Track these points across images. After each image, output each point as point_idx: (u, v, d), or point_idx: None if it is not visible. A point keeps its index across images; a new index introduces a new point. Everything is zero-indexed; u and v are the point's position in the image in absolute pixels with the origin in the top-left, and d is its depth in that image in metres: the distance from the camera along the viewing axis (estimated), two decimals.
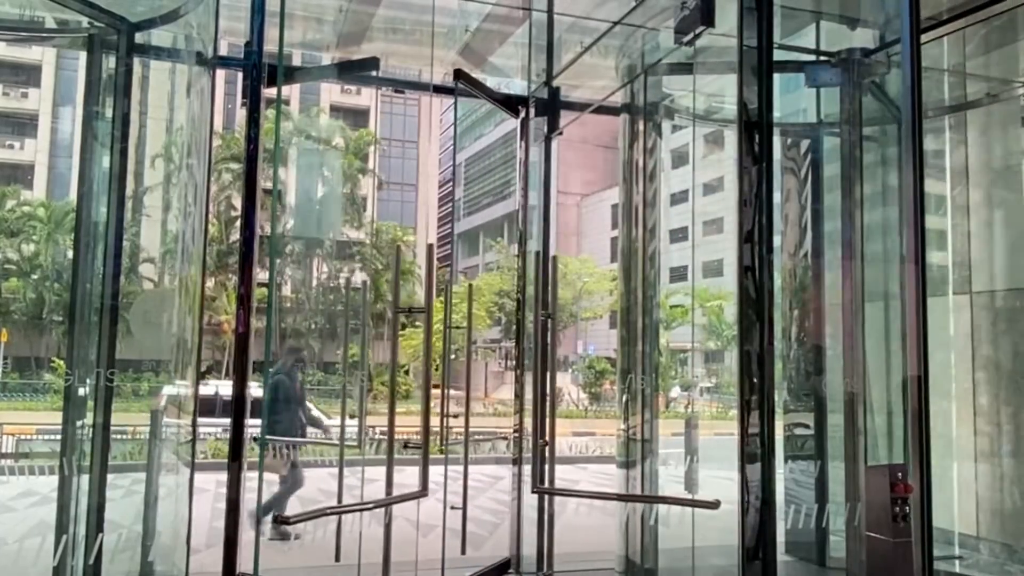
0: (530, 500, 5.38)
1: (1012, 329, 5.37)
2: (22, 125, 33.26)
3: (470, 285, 7.62)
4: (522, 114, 5.88)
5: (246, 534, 3.90)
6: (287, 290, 35.78)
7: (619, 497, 6.12)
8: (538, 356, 5.33)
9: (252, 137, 4.15)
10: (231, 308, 29.65)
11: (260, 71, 4.13)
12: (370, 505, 4.75)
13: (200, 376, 4.83)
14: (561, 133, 5.95)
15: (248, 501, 3.96)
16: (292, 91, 33.91)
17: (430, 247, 5.25)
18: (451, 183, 56.34)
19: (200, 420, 8.06)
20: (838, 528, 5.31)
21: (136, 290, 5.55)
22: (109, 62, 4.70)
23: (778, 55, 4.19)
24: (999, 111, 5.71)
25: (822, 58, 5.62)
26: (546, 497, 5.44)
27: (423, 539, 4.89)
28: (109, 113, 4.63)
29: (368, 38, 6.43)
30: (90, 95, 4.70)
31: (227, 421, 4.10)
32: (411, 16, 6.57)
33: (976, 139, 5.77)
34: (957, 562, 5.43)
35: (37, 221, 30.22)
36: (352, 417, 6.02)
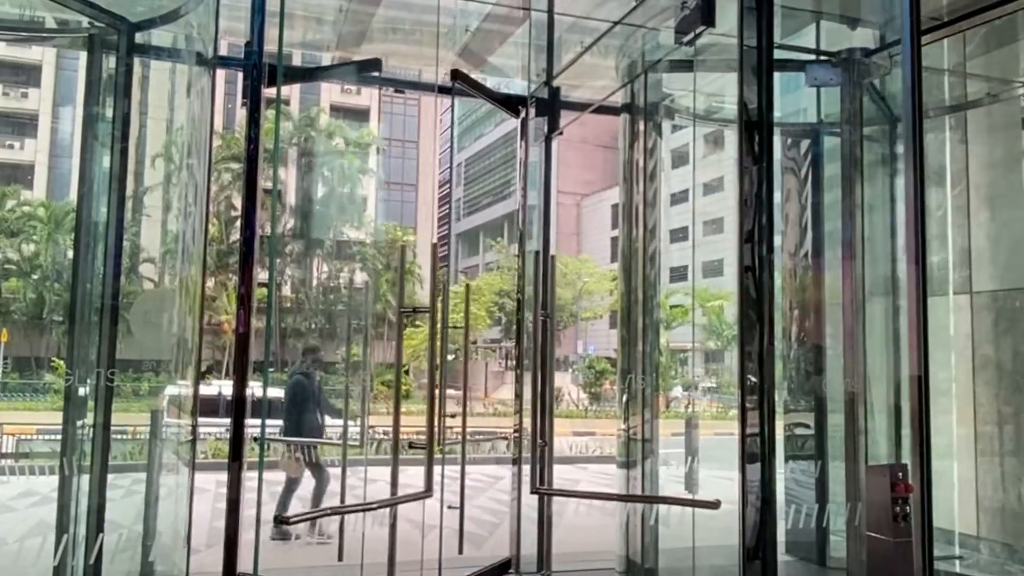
0: (530, 500, 5.37)
1: (1013, 329, 5.37)
2: (22, 125, 33.27)
3: (467, 285, 7.65)
4: (522, 114, 5.88)
5: (246, 534, 3.90)
6: (287, 290, 35.79)
7: (619, 497, 6.12)
8: (536, 356, 5.33)
9: (252, 137, 4.15)
10: (231, 308, 29.66)
11: (260, 71, 4.12)
12: (375, 505, 4.75)
13: (200, 376, 4.82)
14: (561, 133, 5.95)
15: (248, 501, 3.95)
16: (292, 91, 33.94)
17: (434, 246, 5.24)
18: (449, 183, 56.34)
19: (203, 420, 8.08)
20: (838, 528, 5.31)
21: (136, 290, 5.56)
22: (109, 62, 4.70)
23: (778, 55, 4.19)
24: (1000, 111, 5.71)
25: (822, 58, 5.62)
26: (545, 497, 5.43)
27: (421, 538, 4.89)
28: (109, 113, 4.63)
29: (368, 38, 6.43)
30: (90, 95, 4.70)
31: (230, 421, 4.10)
32: (411, 16, 6.57)
33: (976, 138, 5.77)
34: (957, 562, 5.43)
35: (37, 221, 30.22)
36: (354, 417, 6.02)
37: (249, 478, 3.98)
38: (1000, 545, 5.34)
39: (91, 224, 4.65)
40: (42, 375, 26.77)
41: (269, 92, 4.24)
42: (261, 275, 4.23)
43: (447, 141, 48.71)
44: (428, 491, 4.49)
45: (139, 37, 4.75)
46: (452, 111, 40.87)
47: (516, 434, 5.50)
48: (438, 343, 4.72)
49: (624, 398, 5.90)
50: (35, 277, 29.92)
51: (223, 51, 5.10)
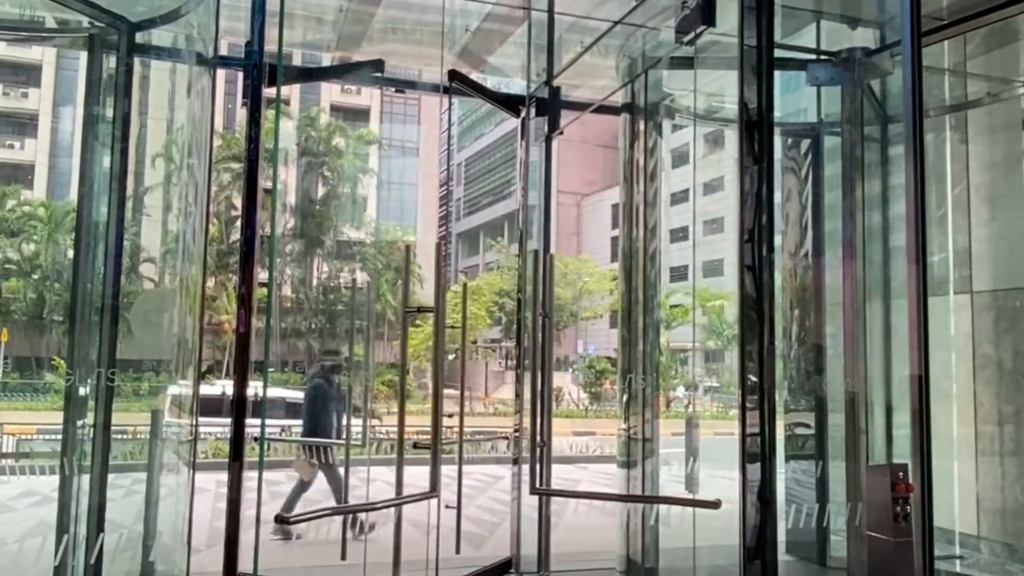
0: (530, 500, 5.37)
1: (1013, 328, 5.37)
2: (22, 125, 33.27)
3: (465, 285, 7.64)
4: (522, 114, 5.88)
5: (247, 533, 3.90)
6: (287, 290, 35.80)
7: (619, 497, 6.12)
8: (535, 356, 5.33)
9: (252, 137, 4.15)
10: (231, 308, 29.67)
11: (261, 71, 4.12)
12: (379, 505, 4.74)
13: (201, 376, 4.83)
14: (562, 133, 5.95)
15: (249, 501, 3.95)
16: (292, 91, 33.94)
17: (438, 246, 5.23)
18: (449, 183, 56.34)
19: (207, 420, 8.07)
20: (839, 528, 5.31)
21: (136, 290, 5.56)
22: (109, 62, 4.70)
23: (778, 54, 4.19)
24: (1000, 110, 5.71)
25: (823, 58, 5.62)
26: (544, 497, 5.43)
27: (422, 538, 4.89)
28: (110, 113, 4.63)
29: (368, 38, 6.43)
30: (91, 95, 4.70)
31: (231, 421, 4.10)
32: (411, 16, 6.57)
33: (977, 138, 5.77)
34: (958, 562, 5.43)
35: (37, 221, 30.23)
36: (355, 415, 6.02)
37: (249, 478, 3.98)
38: (1000, 545, 5.34)
39: (91, 224, 4.65)
40: (42, 375, 26.78)
41: (269, 92, 4.25)
42: (261, 275, 4.23)
43: (447, 141, 48.73)
44: (434, 491, 4.48)
45: (139, 37, 4.75)
46: (449, 114, 40.89)
47: (516, 434, 5.50)
48: (450, 343, 4.71)
49: (624, 398, 5.90)
50: (35, 277, 29.93)
51: (223, 51, 5.10)
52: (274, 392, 19.65)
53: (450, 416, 5.26)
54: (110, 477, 4.40)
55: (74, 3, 4.60)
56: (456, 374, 6.22)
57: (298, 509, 7.52)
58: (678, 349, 22.91)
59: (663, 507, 5.42)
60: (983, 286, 5.57)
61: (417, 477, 4.74)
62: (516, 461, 5.54)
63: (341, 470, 7.02)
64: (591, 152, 41.77)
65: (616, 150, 6.28)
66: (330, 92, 38.31)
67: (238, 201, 30.35)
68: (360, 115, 40.49)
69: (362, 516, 6.47)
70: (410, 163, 43.64)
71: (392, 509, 4.67)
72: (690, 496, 5.35)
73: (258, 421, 4.26)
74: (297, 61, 9.11)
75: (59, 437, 4.51)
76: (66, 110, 32.04)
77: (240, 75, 4.48)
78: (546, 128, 5.96)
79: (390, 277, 35.64)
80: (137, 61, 4.80)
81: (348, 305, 34.14)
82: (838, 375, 5.51)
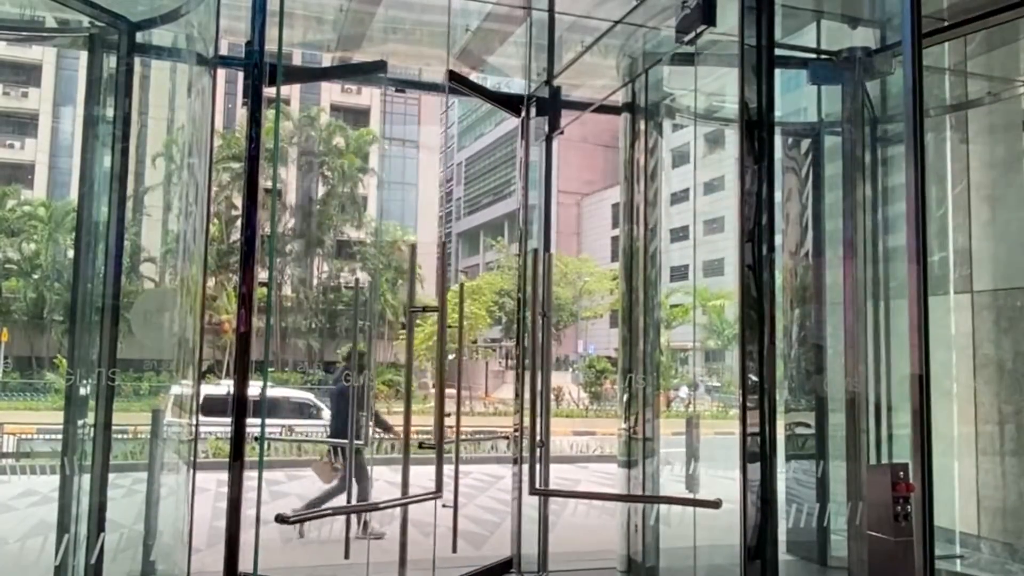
0: (530, 500, 5.37)
1: (1013, 328, 5.36)
2: (22, 125, 33.28)
3: (462, 285, 7.62)
4: (523, 113, 5.88)
5: (247, 533, 3.90)
6: (288, 289, 35.81)
7: (619, 497, 6.12)
8: (534, 356, 5.33)
9: (253, 136, 4.15)
10: (231, 307, 29.67)
11: (261, 71, 4.12)
12: (382, 505, 4.74)
13: (201, 375, 4.82)
14: (562, 132, 5.95)
15: (249, 501, 3.95)
16: (292, 90, 33.97)
17: (443, 245, 5.24)
18: (450, 183, 56.34)
19: (211, 420, 8.06)
20: (839, 527, 5.31)
21: (137, 289, 5.56)
22: (110, 62, 4.70)
23: (778, 54, 4.19)
24: (1001, 110, 5.71)
25: (823, 57, 5.62)
26: (543, 497, 5.43)
27: (423, 538, 4.89)
28: (110, 113, 4.63)
29: (368, 38, 6.43)
30: (91, 95, 4.70)
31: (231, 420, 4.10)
32: (411, 16, 6.57)
33: (977, 138, 5.77)
34: (958, 561, 5.43)
35: (38, 221, 30.24)
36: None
37: (250, 477, 3.98)
38: (1001, 544, 5.34)
39: (92, 223, 4.65)
40: (43, 375, 26.78)
41: (269, 91, 4.25)
42: (261, 275, 4.23)
43: (448, 140, 48.71)
44: (439, 491, 4.48)
45: (139, 37, 4.75)
46: (446, 116, 40.89)
47: (517, 433, 5.50)
48: (452, 342, 4.71)
49: (625, 397, 5.90)
50: (35, 277, 29.94)
51: (223, 50, 5.10)
52: (279, 392, 19.66)
53: (448, 415, 5.26)
54: (111, 477, 4.40)
55: (74, 3, 4.60)
56: (453, 374, 6.22)
57: (296, 506, 7.52)
58: (678, 349, 22.91)
59: (663, 507, 5.42)
60: (983, 285, 5.57)
61: (415, 476, 4.74)
62: (516, 461, 5.54)
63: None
64: (591, 152, 41.76)
65: (616, 150, 6.28)
66: (330, 92, 38.33)
67: (238, 201, 30.38)
68: (360, 115, 40.51)
69: (366, 516, 6.47)
70: (410, 163, 43.65)
71: (393, 508, 4.66)
72: (691, 496, 5.35)
73: (257, 421, 4.26)
74: (297, 61, 9.12)
75: (59, 437, 4.51)
76: (66, 110, 32.05)
77: (240, 75, 4.49)
78: (546, 128, 5.96)
79: (390, 277, 35.67)
80: (137, 61, 4.80)
81: (349, 305, 34.16)
82: (838, 374, 5.51)
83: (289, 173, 35.97)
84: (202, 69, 4.90)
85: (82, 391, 4.46)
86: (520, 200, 6.02)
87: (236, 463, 3.94)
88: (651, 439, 5.61)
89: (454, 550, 4.96)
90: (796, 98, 6.12)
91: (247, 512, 3.90)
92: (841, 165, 5.60)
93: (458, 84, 5.26)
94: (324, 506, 7.60)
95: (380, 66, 5.67)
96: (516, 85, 6.68)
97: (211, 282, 30.38)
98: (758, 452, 3.81)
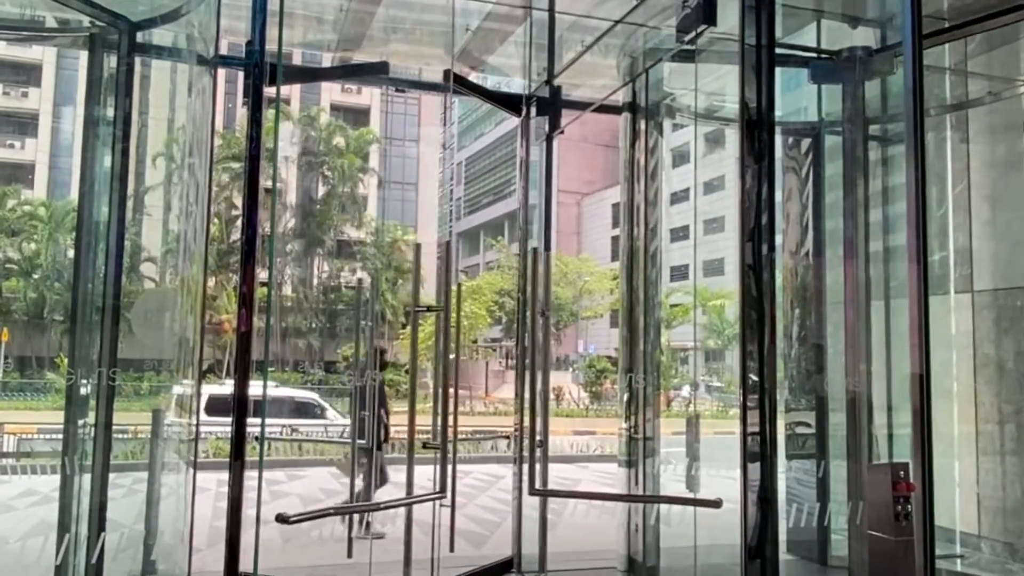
0: (530, 500, 5.37)
1: (1014, 327, 5.36)
2: (23, 124, 33.29)
3: (459, 285, 7.59)
4: (523, 113, 5.88)
5: (247, 533, 3.90)
6: (288, 289, 35.82)
7: (619, 497, 6.12)
8: (534, 355, 5.32)
9: (253, 136, 4.15)
10: (231, 307, 29.67)
11: (262, 71, 4.13)
12: (383, 505, 4.73)
13: (202, 375, 4.82)
14: (562, 132, 5.95)
15: (249, 500, 3.95)
16: (292, 90, 33.93)
17: (447, 244, 5.23)
18: (450, 182, 56.33)
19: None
20: (840, 527, 5.31)
21: (137, 289, 5.56)
22: (110, 61, 4.70)
23: (779, 53, 4.19)
24: (1001, 110, 5.71)
25: (823, 57, 5.61)
26: (542, 498, 5.43)
27: (424, 537, 4.89)
28: (110, 113, 4.63)
29: (369, 37, 6.43)
30: (91, 95, 4.70)
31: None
32: (411, 15, 6.56)
33: (977, 137, 5.77)
34: (959, 561, 5.43)
35: (38, 220, 30.25)
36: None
37: (250, 477, 3.99)
38: (1001, 544, 5.34)
39: (92, 223, 4.65)
40: (43, 374, 26.79)
41: (270, 91, 4.25)
42: (261, 274, 4.23)
43: (448, 140, 48.70)
44: (442, 491, 4.47)
45: (140, 36, 4.75)
46: (446, 113, 40.87)
47: (517, 433, 5.50)
48: (451, 342, 4.69)
49: (625, 397, 5.90)
50: (36, 276, 29.94)
51: (224, 50, 5.10)
52: (282, 392, 19.64)
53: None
54: (111, 476, 4.40)
55: (74, 2, 4.60)
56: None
57: (299, 509, 7.52)
58: (679, 348, 22.91)
59: (664, 506, 5.42)
60: (984, 285, 5.57)
61: (414, 476, 4.73)
62: (517, 461, 5.54)
63: (308, 470, 7.00)
64: (591, 151, 41.77)
65: (617, 149, 6.27)
66: (330, 91, 38.34)
67: (238, 200, 30.36)
68: (360, 114, 40.51)
69: (368, 515, 6.47)
70: (410, 162, 43.65)
71: (396, 508, 4.66)
72: (691, 495, 5.35)
73: (258, 420, 4.26)
74: (297, 61, 9.11)
75: (60, 436, 4.51)
76: (66, 110, 32.06)
77: (240, 74, 4.49)
78: (547, 127, 5.95)
79: (390, 276, 35.67)
80: (138, 61, 4.80)
81: (349, 304, 34.16)
82: (839, 374, 5.51)
83: (289, 173, 35.97)
84: (202, 69, 4.90)
85: (83, 391, 4.46)
86: (520, 200, 6.02)
87: (237, 462, 3.94)
88: (651, 439, 5.61)
89: (451, 549, 4.96)
90: (796, 97, 6.12)
91: (248, 512, 3.90)
92: (841, 164, 5.59)
93: (459, 84, 5.26)
94: (324, 506, 7.62)
95: (382, 67, 5.67)
96: (516, 85, 6.68)
97: (211, 282, 30.39)
98: (758, 452, 3.81)
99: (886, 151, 5.50)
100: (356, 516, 6.20)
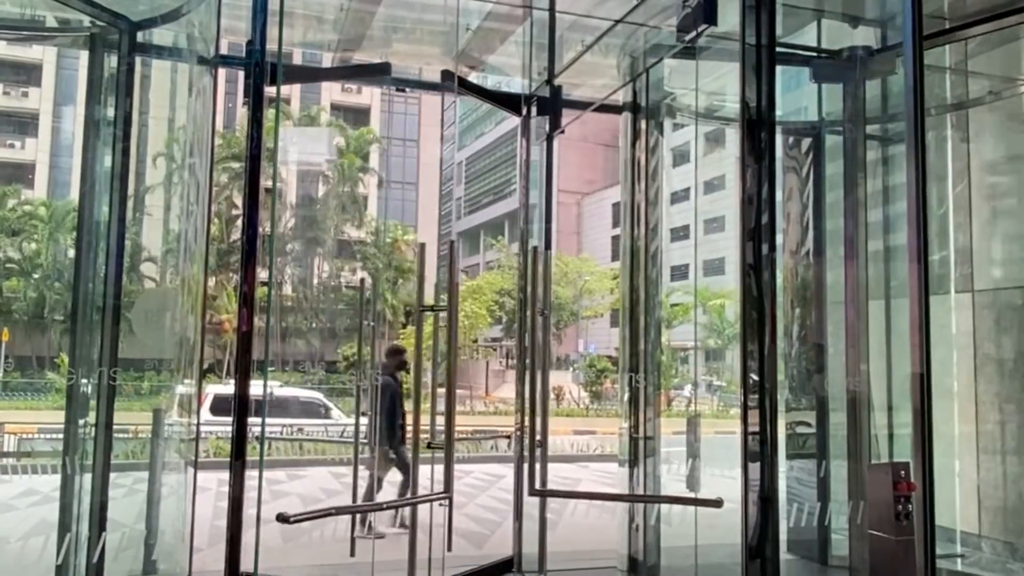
0: (531, 499, 5.37)
1: (1014, 327, 5.36)
2: (23, 124, 33.29)
3: (457, 285, 7.55)
4: (523, 113, 5.87)
5: (247, 533, 3.90)
6: (288, 289, 35.82)
7: (619, 497, 6.12)
8: (534, 355, 5.32)
9: (254, 136, 4.15)
10: (232, 307, 29.67)
11: (262, 70, 4.12)
12: (384, 505, 4.72)
13: (203, 375, 4.82)
14: (563, 131, 5.94)
15: (250, 500, 3.95)
16: (292, 90, 33.93)
17: (451, 244, 5.21)
18: (450, 182, 56.34)
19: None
20: (840, 526, 5.31)
21: (138, 289, 5.56)
22: (110, 61, 4.70)
23: (780, 52, 4.18)
24: (1002, 109, 5.70)
25: (823, 56, 5.61)
26: (542, 498, 5.43)
27: (425, 536, 4.89)
28: (111, 112, 4.64)
29: (369, 37, 6.43)
30: (91, 94, 4.70)
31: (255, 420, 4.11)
32: (412, 15, 6.56)
33: (978, 137, 5.77)
34: (959, 560, 5.43)
35: (38, 220, 30.24)
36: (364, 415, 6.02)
37: (251, 477, 3.99)
38: (1002, 543, 5.34)
39: (92, 223, 4.66)
40: (44, 374, 26.79)
41: (270, 91, 4.25)
42: (262, 274, 4.23)
43: (448, 140, 48.69)
44: (447, 491, 4.47)
45: (140, 36, 4.76)
46: (443, 112, 40.86)
47: (518, 432, 5.49)
48: (454, 342, 4.69)
49: (626, 396, 5.90)
50: (36, 276, 29.94)
51: (224, 50, 5.10)
52: (287, 392, 19.62)
53: (443, 414, 5.25)
54: (112, 476, 4.40)
55: (75, 2, 4.60)
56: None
57: (299, 508, 7.52)
58: (679, 348, 22.91)
59: (665, 506, 5.42)
60: (984, 284, 5.57)
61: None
62: (517, 460, 5.54)
63: (308, 470, 7.01)
64: (592, 151, 41.76)
65: (617, 149, 6.27)
66: (330, 91, 38.34)
67: (239, 200, 30.37)
68: (360, 114, 40.51)
69: (371, 515, 6.46)
70: (410, 162, 43.65)
71: (398, 508, 4.65)
72: (692, 495, 5.35)
73: (258, 420, 4.26)
74: (298, 60, 9.11)
75: (61, 436, 4.52)
76: (67, 109, 32.06)
77: (241, 74, 4.49)
78: (547, 127, 5.95)
79: (390, 276, 35.66)
80: (138, 60, 4.80)
81: (349, 304, 34.16)
82: (839, 374, 5.51)
83: (289, 173, 35.97)
84: (203, 69, 4.90)
85: (83, 390, 4.47)
86: (520, 199, 6.02)
87: (238, 462, 3.94)
88: (652, 438, 5.61)
89: (448, 549, 4.97)
90: (797, 97, 6.12)
91: (248, 511, 3.90)
92: (842, 164, 5.59)
93: (459, 84, 5.26)
94: (324, 506, 7.61)
95: (385, 68, 5.66)
96: (516, 84, 6.68)
97: (212, 281, 30.38)
98: (759, 451, 3.81)
99: (886, 151, 5.50)
100: (359, 515, 6.19)
